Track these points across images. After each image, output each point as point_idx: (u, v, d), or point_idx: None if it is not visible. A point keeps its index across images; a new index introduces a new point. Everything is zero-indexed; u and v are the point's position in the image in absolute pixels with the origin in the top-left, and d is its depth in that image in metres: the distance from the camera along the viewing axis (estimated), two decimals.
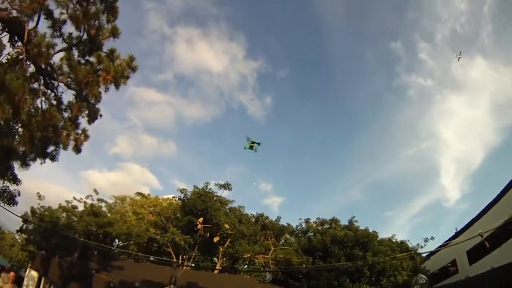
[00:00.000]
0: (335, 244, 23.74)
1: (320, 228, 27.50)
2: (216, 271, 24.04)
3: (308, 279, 22.49)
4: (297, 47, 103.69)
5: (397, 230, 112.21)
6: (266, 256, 24.14)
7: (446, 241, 27.45)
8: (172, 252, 23.87)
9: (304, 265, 22.64)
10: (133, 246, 25.49)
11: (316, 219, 28.64)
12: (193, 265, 24.26)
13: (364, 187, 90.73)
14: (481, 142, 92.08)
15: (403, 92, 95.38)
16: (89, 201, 27.67)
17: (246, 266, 25.98)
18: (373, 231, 25.30)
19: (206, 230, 23.63)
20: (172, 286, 7.95)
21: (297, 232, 29.41)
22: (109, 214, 27.31)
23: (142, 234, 24.63)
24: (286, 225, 29.16)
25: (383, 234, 28.07)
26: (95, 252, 23.61)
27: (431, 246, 27.83)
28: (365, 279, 22.34)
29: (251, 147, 16.69)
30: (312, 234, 27.35)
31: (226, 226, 23.18)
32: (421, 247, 34.35)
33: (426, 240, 33.78)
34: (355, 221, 26.29)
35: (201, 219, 23.35)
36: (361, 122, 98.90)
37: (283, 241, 27.82)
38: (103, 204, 28.82)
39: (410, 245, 26.71)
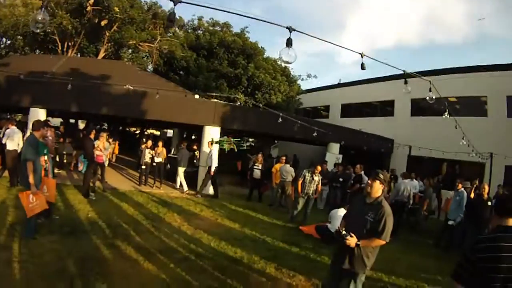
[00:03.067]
0: (222, 47, 26.11)
1: (211, 28, 29.26)
2: (100, 57, 25.44)
3: (188, 75, 25.55)
4: None
5: None
6: (151, 45, 26.11)
7: (327, 86, 32.84)
8: (58, 40, 24.64)
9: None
10: (20, 40, 25.31)
11: (210, 19, 30.18)
12: (78, 54, 25.63)
13: (268, 7, 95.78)
14: None
15: None
16: None
17: (130, 54, 27.77)
18: (261, 47, 27.99)
19: (96, 14, 24.18)
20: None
21: (187, 27, 31.06)
22: None
23: (29, 23, 23.54)
24: (178, 18, 29.57)
25: (270, 54, 31.06)
26: None
27: (312, 84, 33.29)
28: (242, 88, 25.57)
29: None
30: (201, 32, 29.22)
31: (116, 9, 23.87)
32: (302, 79, 39.08)
33: (309, 76, 39.04)
34: (247, 31, 28.51)
35: (91, 1, 23.41)
36: None
37: (171, 34, 29.09)
38: None
39: (292, 73, 30.28)
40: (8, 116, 17.70)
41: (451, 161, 20.91)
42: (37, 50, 25.65)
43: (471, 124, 16.11)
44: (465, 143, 13.81)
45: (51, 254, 5.90)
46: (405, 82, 7.72)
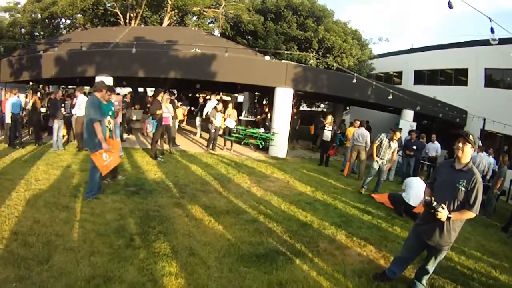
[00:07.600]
0: (289, 10, 24.95)
1: None
2: (164, 25, 24.97)
3: (256, 39, 24.76)
4: None
5: (354, 22, 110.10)
6: (217, 10, 25.44)
7: (399, 51, 30.43)
8: (119, 12, 24.37)
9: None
10: (79, 18, 25.51)
11: None
12: (142, 25, 25.05)
13: None
14: None
15: None
16: None
17: (195, 21, 26.91)
18: (330, 10, 26.38)
19: None
20: None
21: None
22: None
23: None
24: None
25: (339, 17, 28.89)
26: (42, 40, 23.47)
27: (383, 48, 30.75)
28: (313, 51, 24.07)
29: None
30: None
31: None
32: (374, 43, 36.78)
33: (380, 39, 36.73)
34: None
35: None
36: None
37: None
38: None
39: (363, 37, 28.09)
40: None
41: None
42: (99, 26, 25.25)
43: None
44: None
45: (113, 213, 5.85)
46: (492, 32, 6.94)
